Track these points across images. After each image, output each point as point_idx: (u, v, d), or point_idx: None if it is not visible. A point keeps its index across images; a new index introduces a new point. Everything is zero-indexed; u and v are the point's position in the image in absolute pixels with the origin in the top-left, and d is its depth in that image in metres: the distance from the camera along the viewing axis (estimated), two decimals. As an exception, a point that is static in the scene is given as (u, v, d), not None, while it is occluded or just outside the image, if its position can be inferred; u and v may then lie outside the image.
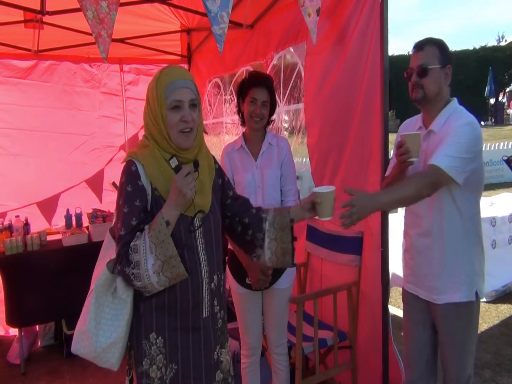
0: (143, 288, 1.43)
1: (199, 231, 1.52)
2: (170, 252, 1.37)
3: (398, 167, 1.89)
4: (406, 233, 2.02)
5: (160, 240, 1.37)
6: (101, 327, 1.48)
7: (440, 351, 1.95)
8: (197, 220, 1.52)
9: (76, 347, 1.52)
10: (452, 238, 1.83)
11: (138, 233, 1.42)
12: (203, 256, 1.52)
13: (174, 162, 1.42)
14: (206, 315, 1.54)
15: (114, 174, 4.08)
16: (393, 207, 1.79)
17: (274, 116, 2.42)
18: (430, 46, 1.85)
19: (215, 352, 1.58)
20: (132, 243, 1.40)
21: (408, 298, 2.03)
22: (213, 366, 1.57)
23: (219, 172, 1.70)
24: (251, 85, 2.28)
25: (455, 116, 1.84)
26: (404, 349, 2.08)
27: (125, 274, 1.41)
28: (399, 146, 1.78)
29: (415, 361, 2.01)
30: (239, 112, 2.38)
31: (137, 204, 1.45)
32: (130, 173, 1.48)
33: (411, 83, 1.87)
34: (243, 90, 2.32)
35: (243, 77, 2.57)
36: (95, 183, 4.14)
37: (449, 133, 1.76)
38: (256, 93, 2.25)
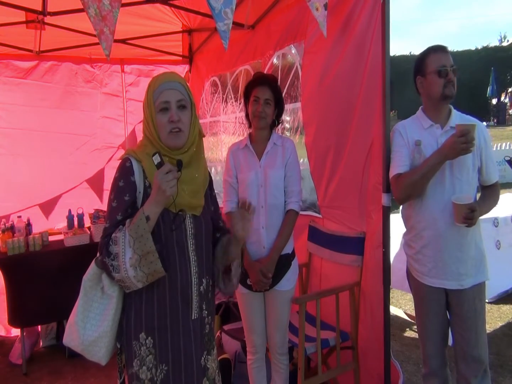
0: (122, 282, 1.45)
1: (190, 232, 1.55)
2: (147, 248, 1.39)
3: (435, 166, 1.97)
4: (425, 229, 2.08)
5: (139, 234, 1.39)
6: (88, 320, 1.52)
7: (464, 334, 2.06)
8: (189, 220, 1.55)
9: (67, 339, 1.56)
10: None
11: (120, 226, 1.45)
12: (193, 257, 1.55)
13: (156, 159, 1.44)
14: (195, 317, 1.56)
15: (113, 169, 4.10)
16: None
17: (282, 118, 2.44)
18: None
19: (202, 358, 1.59)
20: (113, 235, 1.44)
21: (430, 293, 2.11)
22: (200, 372, 1.58)
23: (211, 184, 1.74)
24: (254, 85, 2.33)
25: (465, 116, 2.15)
26: (423, 341, 2.19)
27: (105, 264, 1.44)
28: (462, 135, 1.88)
29: (439, 351, 2.15)
30: (247, 115, 2.41)
31: (126, 199, 1.49)
32: (124, 169, 1.53)
33: (446, 80, 2.04)
34: (248, 91, 2.36)
35: (242, 76, 2.60)
36: (96, 182, 4.15)
37: (485, 140, 2.09)
38: (259, 92, 2.28)
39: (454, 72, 2.05)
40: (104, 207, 3.83)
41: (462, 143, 1.87)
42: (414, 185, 2.02)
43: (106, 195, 4.08)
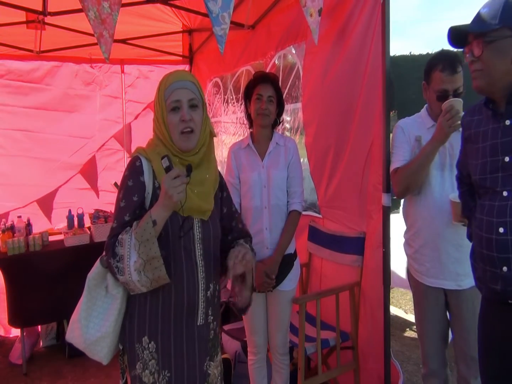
0: (127, 285, 1.43)
1: (198, 237, 1.52)
2: (153, 253, 1.36)
3: (430, 153, 1.94)
4: (423, 228, 2.07)
5: (145, 238, 1.36)
6: (91, 319, 1.51)
7: (463, 335, 2.04)
8: (197, 225, 1.52)
9: (70, 335, 1.55)
10: None
11: (128, 227, 1.43)
12: (200, 262, 1.52)
13: (165, 163, 1.40)
14: (201, 323, 1.54)
15: (112, 171, 4.22)
16: None
17: (282, 117, 2.44)
18: (461, 68, 1.96)
19: (204, 364, 1.57)
20: (119, 236, 1.42)
21: (429, 293, 2.10)
22: (201, 378, 1.56)
23: (222, 185, 1.69)
24: (256, 83, 2.31)
25: None
26: (422, 341, 2.18)
27: (111, 265, 1.42)
28: (447, 112, 1.86)
29: (438, 351, 2.13)
30: (247, 114, 2.40)
31: (135, 199, 1.47)
32: (133, 168, 1.50)
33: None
34: (249, 90, 2.35)
35: (243, 77, 2.59)
36: (89, 171, 4.22)
37: None
38: (261, 89, 2.28)
39: (458, 95, 1.96)
40: (104, 207, 3.84)
41: (447, 120, 1.85)
42: (411, 176, 2.01)
43: (105, 195, 4.14)
